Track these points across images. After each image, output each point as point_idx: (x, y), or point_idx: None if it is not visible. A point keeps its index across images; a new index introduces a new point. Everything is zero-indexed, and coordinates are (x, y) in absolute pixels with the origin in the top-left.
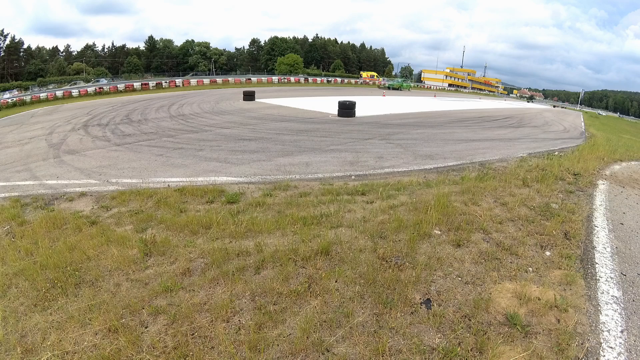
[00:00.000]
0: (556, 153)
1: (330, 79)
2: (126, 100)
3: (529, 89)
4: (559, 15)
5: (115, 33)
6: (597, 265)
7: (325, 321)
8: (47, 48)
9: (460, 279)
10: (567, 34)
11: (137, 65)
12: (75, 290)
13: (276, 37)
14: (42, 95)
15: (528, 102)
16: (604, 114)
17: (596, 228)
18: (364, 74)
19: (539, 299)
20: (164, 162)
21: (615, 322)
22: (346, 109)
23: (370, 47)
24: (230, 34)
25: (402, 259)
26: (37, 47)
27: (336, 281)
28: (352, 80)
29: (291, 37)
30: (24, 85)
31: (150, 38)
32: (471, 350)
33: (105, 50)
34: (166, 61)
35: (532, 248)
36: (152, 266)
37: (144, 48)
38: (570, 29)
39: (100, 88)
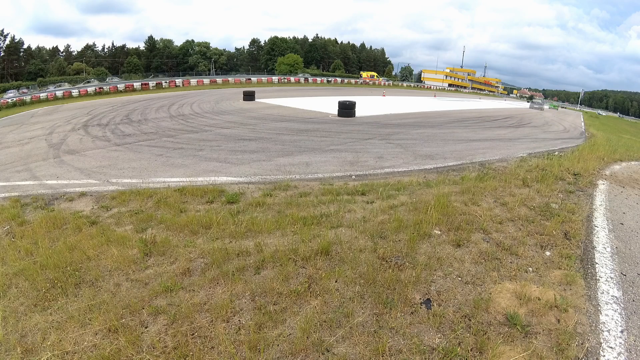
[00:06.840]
0: (556, 153)
1: (330, 79)
2: (126, 100)
3: (529, 89)
4: (563, 16)
5: (115, 33)
6: (597, 265)
7: (325, 321)
8: (47, 48)
9: (460, 279)
10: (570, 35)
11: (137, 65)
12: (75, 290)
13: (276, 37)
14: (42, 95)
15: (528, 102)
16: (604, 114)
17: (596, 228)
18: (364, 74)
19: (539, 299)
20: (164, 162)
21: (615, 322)
22: (346, 109)
23: (370, 47)
24: (230, 34)
25: (402, 259)
26: (37, 47)
27: (336, 281)
28: (352, 80)
29: (291, 37)
30: (23, 86)
31: (150, 38)
32: (471, 350)
33: (106, 50)
34: (166, 61)
35: (532, 248)
36: (152, 266)
37: (144, 48)
38: (574, 30)
39: (100, 88)
